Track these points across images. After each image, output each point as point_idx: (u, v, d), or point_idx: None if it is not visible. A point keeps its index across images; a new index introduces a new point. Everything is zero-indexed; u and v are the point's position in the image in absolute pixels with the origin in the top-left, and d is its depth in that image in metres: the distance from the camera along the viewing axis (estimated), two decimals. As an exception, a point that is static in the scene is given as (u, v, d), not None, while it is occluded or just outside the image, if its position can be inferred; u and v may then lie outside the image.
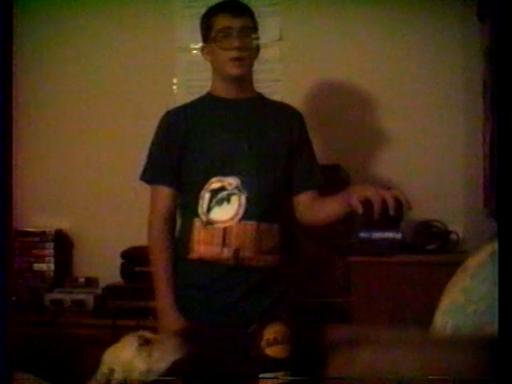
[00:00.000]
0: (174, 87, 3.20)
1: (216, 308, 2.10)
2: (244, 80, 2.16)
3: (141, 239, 2.99)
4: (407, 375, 1.22)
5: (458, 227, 2.77)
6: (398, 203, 1.88)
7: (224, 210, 2.08)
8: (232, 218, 2.08)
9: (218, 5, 2.16)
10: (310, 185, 2.20)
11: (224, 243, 2.07)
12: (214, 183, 2.09)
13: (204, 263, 2.10)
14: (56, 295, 3.06)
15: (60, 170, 3.30)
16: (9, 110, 2.03)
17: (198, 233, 2.10)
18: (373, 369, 1.24)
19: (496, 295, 1.34)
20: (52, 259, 3.18)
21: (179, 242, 2.17)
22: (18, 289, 3.10)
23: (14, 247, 3.13)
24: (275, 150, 2.15)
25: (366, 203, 1.91)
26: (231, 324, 2.08)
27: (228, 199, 2.09)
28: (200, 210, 2.10)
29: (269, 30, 2.74)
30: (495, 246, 1.45)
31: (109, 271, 3.03)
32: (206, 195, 2.09)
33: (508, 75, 1.39)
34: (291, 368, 2.06)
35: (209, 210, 2.09)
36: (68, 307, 3.01)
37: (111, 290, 2.98)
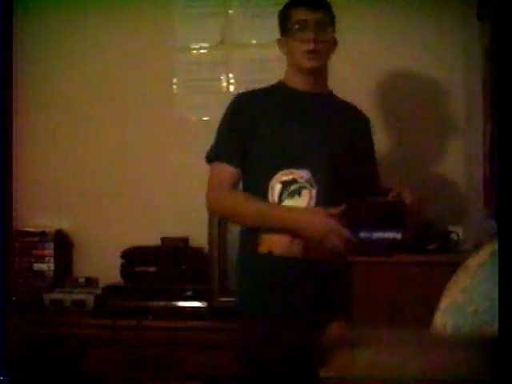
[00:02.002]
0: (174, 87, 3.20)
1: (286, 300, 2.10)
2: (318, 73, 2.17)
3: (141, 239, 3.02)
4: (407, 375, 1.22)
5: (457, 227, 2.76)
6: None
7: (296, 202, 2.08)
8: None
9: None
10: (373, 192, 2.19)
11: (294, 236, 2.06)
12: (286, 175, 2.09)
13: (273, 257, 2.09)
14: (56, 295, 3.05)
15: (60, 169, 3.30)
16: (9, 110, 2.03)
17: None
18: (373, 369, 1.24)
19: (496, 295, 1.34)
20: (52, 259, 3.18)
21: (247, 235, 2.16)
22: (18, 289, 3.09)
23: (14, 247, 3.13)
24: (345, 149, 2.16)
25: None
26: (301, 316, 2.10)
27: (299, 192, 2.08)
28: (271, 201, 2.09)
29: (268, 30, 2.74)
30: (495, 245, 1.45)
31: (109, 271, 3.02)
32: (277, 186, 2.09)
33: (508, 75, 1.39)
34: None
35: (280, 202, 2.08)
36: (68, 307, 3.00)
37: (111, 289, 2.98)
